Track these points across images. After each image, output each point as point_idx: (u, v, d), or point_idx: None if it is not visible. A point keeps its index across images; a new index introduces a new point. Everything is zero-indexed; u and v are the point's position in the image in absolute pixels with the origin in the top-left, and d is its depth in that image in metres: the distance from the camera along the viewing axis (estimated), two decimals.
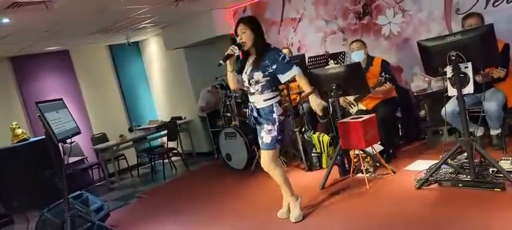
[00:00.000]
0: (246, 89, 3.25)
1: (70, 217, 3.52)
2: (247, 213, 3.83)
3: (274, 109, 3.11)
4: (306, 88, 3.18)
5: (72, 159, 5.26)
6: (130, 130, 7.45)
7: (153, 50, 7.98)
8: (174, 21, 6.45)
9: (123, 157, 7.20)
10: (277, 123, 3.12)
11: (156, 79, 8.17)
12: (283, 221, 3.41)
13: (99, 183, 7.04)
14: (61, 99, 3.87)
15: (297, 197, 3.35)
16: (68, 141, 3.64)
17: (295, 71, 3.10)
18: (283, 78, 3.09)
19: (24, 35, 5.11)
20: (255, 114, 3.16)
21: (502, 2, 4.18)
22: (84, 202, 4.25)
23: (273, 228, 3.38)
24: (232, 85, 3.31)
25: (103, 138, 7.14)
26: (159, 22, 6.32)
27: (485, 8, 4.24)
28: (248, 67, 3.15)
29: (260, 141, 3.21)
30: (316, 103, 3.23)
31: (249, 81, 3.13)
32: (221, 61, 3.09)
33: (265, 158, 3.20)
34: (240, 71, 3.25)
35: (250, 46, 3.11)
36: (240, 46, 3.10)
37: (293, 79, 3.20)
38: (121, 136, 6.77)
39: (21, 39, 5.34)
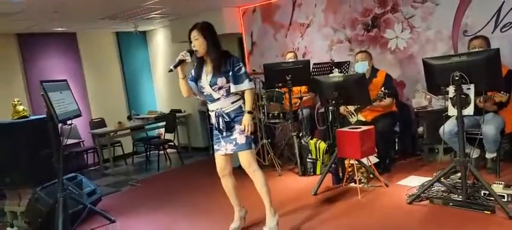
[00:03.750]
0: (204, 97, 3.17)
1: (63, 198, 3.54)
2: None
3: (243, 108, 3.08)
4: (247, 105, 3.05)
5: (69, 141, 5.26)
6: (129, 118, 7.47)
7: (159, 41, 8.00)
8: (184, 14, 6.48)
9: (119, 144, 7.23)
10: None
11: (159, 70, 8.20)
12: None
13: (93, 167, 7.05)
14: (65, 80, 3.90)
15: (276, 212, 3.20)
16: (68, 122, 3.66)
17: (246, 86, 3.03)
18: (234, 88, 3.02)
19: (34, 14, 5.14)
20: (227, 119, 3.05)
21: (510, 28, 4.21)
22: (77, 184, 4.27)
23: (261, 227, 3.39)
24: (185, 92, 3.20)
25: (101, 123, 7.16)
26: (169, 14, 6.35)
27: (492, 32, 4.27)
28: (208, 74, 3.06)
29: (231, 145, 3.08)
30: (247, 121, 3.03)
31: (211, 88, 3.03)
32: (172, 68, 3.03)
33: (247, 159, 3.09)
34: (196, 79, 3.13)
35: (203, 53, 3.03)
36: (191, 52, 3.03)
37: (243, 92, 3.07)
38: (119, 123, 6.79)
39: (31, 18, 5.36)
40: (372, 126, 3.94)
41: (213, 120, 3.13)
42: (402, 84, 5.05)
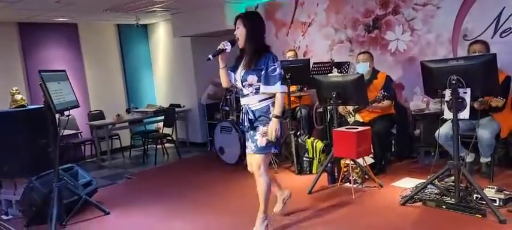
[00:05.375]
0: (238, 90, 3.10)
1: (58, 188, 3.55)
2: (233, 208, 3.87)
3: (272, 109, 2.93)
4: (276, 109, 2.91)
5: (66, 132, 5.27)
6: (128, 111, 7.46)
7: (161, 35, 8.00)
8: (186, 9, 6.48)
9: (117, 137, 7.23)
10: None
11: (160, 64, 8.20)
12: None
13: (90, 159, 7.07)
14: (64, 71, 3.90)
15: (266, 218, 3.10)
16: (66, 112, 3.67)
17: (276, 89, 2.88)
18: (262, 88, 2.90)
19: (36, 3, 5.14)
20: (251, 116, 2.94)
21: (509, 33, 4.22)
22: (73, 175, 4.28)
23: (253, 223, 3.41)
24: (224, 82, 3.08)
25: (100, 115, 7.17)
26: (171, 8, 6.34)
27: (492, 38, 4.28)
28: (241, 69, 2.96)
29: (252, 145, 2.97)
30: (274, 127, 2.89)
31: (242, 83, 2.95)
32: (210, 57, 2.88)
33: (257, 161, 2.98)
34: (233, 69, 3.05)
35: (243, 44, 2.94)
36: (233, 42, 2.94)
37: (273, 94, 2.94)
38: (118, 115, 6.79)
39: (32, 7, 5.36)
40: (369, 127, 3.95)
41: (241, 116, 3.05)
42: (401, 86, 5.06)
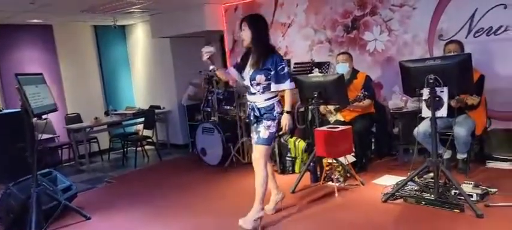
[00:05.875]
0: (245, 87, 3.30)
1: (36, 194, 3.47)
2: (216, 209, 3.86)
3: (276, 107, 3.16)
4: (287, 105, 3.16)
5: (43, 136, 5.14)
6: (107, 113, 7.33)
7: (139, 36, 7.90)
8: (164, 9, 6.42)
9: (96, 140, 7.10)
10: (277, 120, 3.17)
11: (138, 65, 8.10)
12: None
13: (67, 163, 6.91)
14: (41, 74, 3.82)
15: (262, 209, 3.22)
16: (43, 117, 3.58)
17: (286, 86, 3.12)
18: (275, 87, 3.11)
19: (9, 4, 4.99)
20: (257, 113, 3.18)
21: (482, 34, 4.36)
22: (52, 180, 4.18)
23: (237, 226, 3.42)
24: (224, 79, 3.38)
25: (77, 118, 7.02)
26: (150, 9, 6.27)
27: (466, 37, 4.41)
28: (250, 68, 3.16)
29: (256, 136, 3.19)
30: (285, 121, 3.15)
31: (250, 81, 3.15)
32: (213, 67, 3.22)
33: (259, 152, 3.16)
34: (240, 68, 3.26)
35: (248, 45, 3.15)
36: (209, 42, 3.16)
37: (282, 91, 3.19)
38: (96, 118, 6.67)
39: (5, 9, 5.20)
40: (350, 126, 4.02)
41: (248, 111, 3.32)
42: (380, 85, 5.16)
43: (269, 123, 3.13)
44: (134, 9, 6.14)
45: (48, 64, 6.96)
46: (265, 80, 3.10)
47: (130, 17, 7.13)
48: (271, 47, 3.19)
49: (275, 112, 3.15)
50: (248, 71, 3.18)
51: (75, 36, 7.38)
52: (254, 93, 3.18)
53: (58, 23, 6.98)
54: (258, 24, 3.14)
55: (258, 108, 3.18)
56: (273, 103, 3.16)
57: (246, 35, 3.13)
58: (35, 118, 3.52)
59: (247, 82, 3.20)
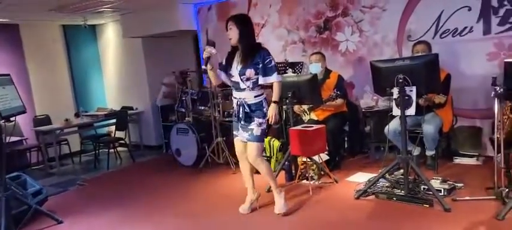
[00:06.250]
0: (231, 84, 3.37)
1: (5, 198, 3.36)
2: (191, 210, 3.85)
3: (264, 103, 3.30)
4: (274, 96, 3.29)
5: (11, 139, 4.96)
6: (77, 115, 7.16)
7: (110, 36, 7.75)
8: (136, 9, 6.33)
9: (66, 142, 6.93)
10: (266, 117, 3.30)
11: (109, 66, 7.94)
12: (223, 219, 3.49)
13: (36, 167, 6.71)
14: (9, 75, 3.70)
15: (281, 190, 3.49)
16: (12, 119, 3.48)
17: (274, 79, 3.24)
18: (262, 80, 3.23)
19: None
20: (247, 110, 3.26)
21: (448, 34, 4.54)
22: (21, 184, 4.07)
23: (213, 225, 3.43)
24: (214, 82, 3.44)
25: (46, 120, 6.82)
26: (120, 8, 6.17)
27: (433, 38, 4.57)
28: (238, 64, 3.26)
29: (247, 134, 3.30)
30: (272, 111, 3.30)
31: (240, 77, 3.23)
32: (204, 67, 3.30)
33: (254, 151, 3.30)
34: (225, 68, 3.35)
35: (236, 43, 3.24)
36: (213, 44, 3.27)
37: (270, 85, 3.31)
38: (66, 120, 6.51)
39: None
40: (323, 125, 4.09)
41: (235, 108, 3.36)
42: (352, 85, 5.27)
43: (261, 120, 3.27)
44: (104, 8, 6.03)
45: (15, 65, 6.73)
46: (255, 74, 3.21)
47: (101, 17, 6.99)
48: (257, 43, 3.34)
49: (265, 109, 3.30)
50: (236, 67, 3.27)
51: (43, 35, 7.17)
52: (244, 89, 3.26)
53: (25, 22, 6.75)
54: (245, 23, 3.26)
55: (248, 105, 3.27)
56: (262, 100, 3.30)
57: (233, 34, 3.22)
58: (3, 121, 3.41)
59: (236, 79, 3.28)
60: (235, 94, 3.36)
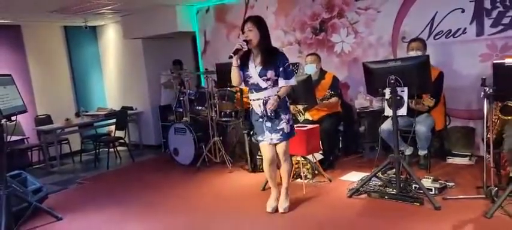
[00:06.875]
0: (249, 87, 3.37)
1: (6, 196, 3.44)
2: (189, 208, 3.93)
3: (286, 98, 3.38)
4: (281, 92, 3.29)
5: (13, 138, 5.05)
6: (78, 115, 7.25)
7: (111, 36, 7.84)
8: (136, 10, 6.42)
9: (67, 141, 7.02)
10: (290, 111, 3.41)
11: (110, 66, 8.03)
12: (217, 219, 3.55)
13: (37, 165, 6.80)
14: (10, 75, 3.78)
15: (288, 194, 3.58)
16: (12, 118, 3.56)
17: (293, 82, 3.31)
18: (284, 82, 3.26)
19: None
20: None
21: (441, 36, 4.61)
22: (22, 182, 4.14)
23: (208, 224, 3.51)
24: (236, 81, 3.36)
25: (47, 119, 6.92)
26: (121, 10, 6.26)
27: (427, 39, 4.63)
28: (257, 66, 3.27)
29: (279, 135, 3.33)
30: (273, 101, 3.24)
31: (260, 78, 3.24)
32: (232, 54, 3.21)
33: (286, 148, 3.39)
34: (244, 68, 3.32)
35: (255, 44, 3.24)
36: (247, 43, 3.21)
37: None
38: (67, 119, 6.60)
39: None
40: (318, 125, 4.17)
41: (259, 108, 3.32)
42: (347, 85, 5.35)
43: (288, 116, 3.34)
44: (105, 10, 6.11)
45: (17, 65, 6.83)
46: (275, 75, 3.25)
47: (102, 18, 7.08)
48: (274, 46, 3.38)
49: (288, 103, 3.41)
50: (256, 69, 3.27)
51: (45, 36, 7.26)
52: (266, 88, 3.27)
53: (27, 23, 6.85)
54: (264, 25, 3.28)
55: None
56: (285, 96, 3.36)
57: (253, 35, 3.21)
58: (4, 120, 3.49)
59: (254, 80, 3.28)
60: (255, 95, 3.33)
